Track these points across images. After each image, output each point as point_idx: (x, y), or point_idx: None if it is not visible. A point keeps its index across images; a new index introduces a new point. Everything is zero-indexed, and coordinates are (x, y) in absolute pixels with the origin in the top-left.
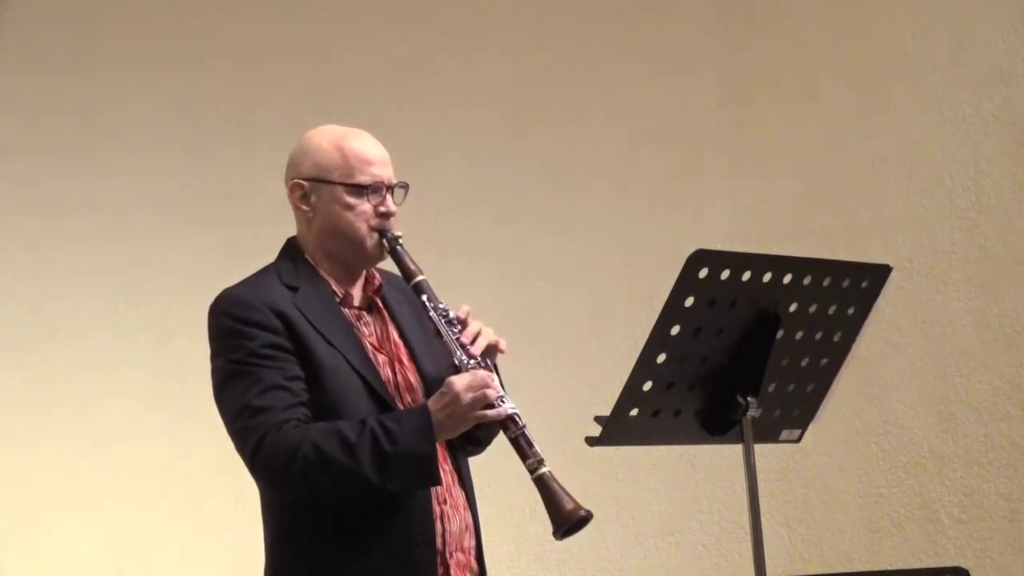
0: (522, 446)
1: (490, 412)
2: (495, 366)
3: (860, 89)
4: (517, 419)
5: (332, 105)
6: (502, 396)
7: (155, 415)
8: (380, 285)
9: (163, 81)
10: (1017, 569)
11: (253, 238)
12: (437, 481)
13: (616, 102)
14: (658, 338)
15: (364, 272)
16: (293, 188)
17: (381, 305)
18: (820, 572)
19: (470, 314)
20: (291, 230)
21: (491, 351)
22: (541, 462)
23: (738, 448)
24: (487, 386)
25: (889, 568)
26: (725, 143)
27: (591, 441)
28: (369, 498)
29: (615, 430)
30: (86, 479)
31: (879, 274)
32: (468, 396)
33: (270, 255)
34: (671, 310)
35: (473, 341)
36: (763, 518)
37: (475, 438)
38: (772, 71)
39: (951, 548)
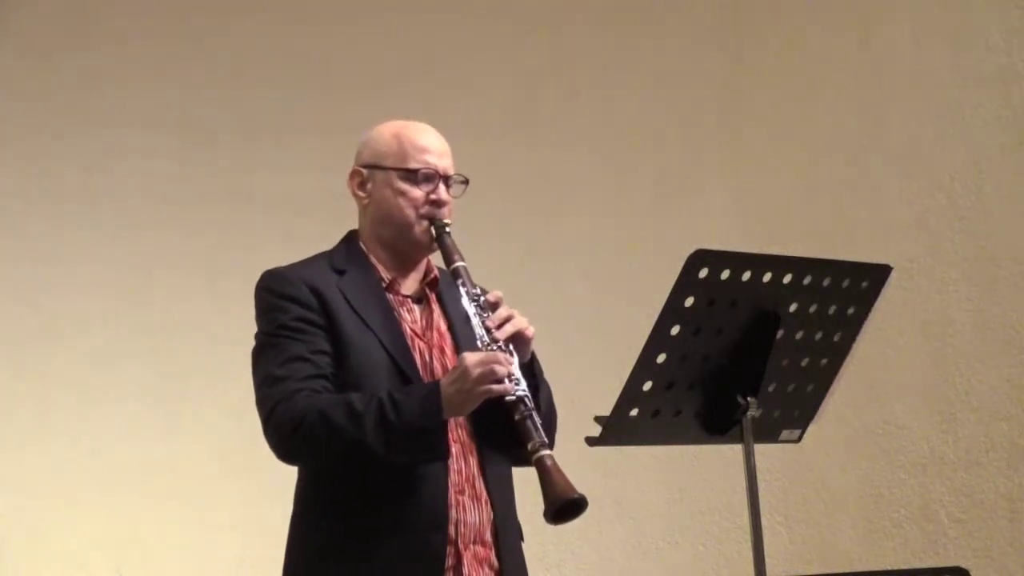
0: (527, 428)
1: (496, 387)
2: (533, 357)
3: (860, 89)
4: (527, 402)
5: (332, 102)
6: (515, 377)
7: (155, 414)
8: (436, 279)
9: (165, 77)
10: (1017, 569)
11: (255, 236)
12: (441, 455)
13: (616, 101)
14: (658, 338)
15: (422, 264)
16: (352, 175)
17: (433, 297)
18: (820, 572)
19: (502, 300)
20: (293, 229)
21: (518, 338)
22: (544, 445)
23: (738, 448)
24: (497, 362)
25: (889, 568)
26: (725, 143)
27: (591, 441)
28: (386, 478)
29: (615, 430)
30: (86, 479)
31: (879, 274)
32: (476, 371)
33: (270, 254)
34: (671, 310)
35: (500, 326)
36: (763, 518)
37: (521, 440)
38: (773, 71)
39: (951, 548)
